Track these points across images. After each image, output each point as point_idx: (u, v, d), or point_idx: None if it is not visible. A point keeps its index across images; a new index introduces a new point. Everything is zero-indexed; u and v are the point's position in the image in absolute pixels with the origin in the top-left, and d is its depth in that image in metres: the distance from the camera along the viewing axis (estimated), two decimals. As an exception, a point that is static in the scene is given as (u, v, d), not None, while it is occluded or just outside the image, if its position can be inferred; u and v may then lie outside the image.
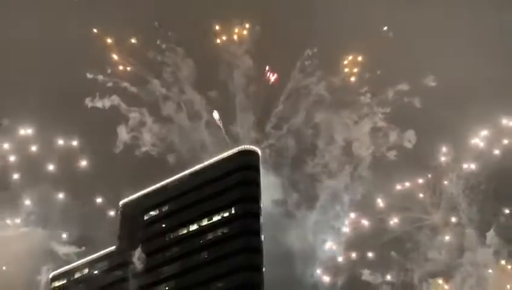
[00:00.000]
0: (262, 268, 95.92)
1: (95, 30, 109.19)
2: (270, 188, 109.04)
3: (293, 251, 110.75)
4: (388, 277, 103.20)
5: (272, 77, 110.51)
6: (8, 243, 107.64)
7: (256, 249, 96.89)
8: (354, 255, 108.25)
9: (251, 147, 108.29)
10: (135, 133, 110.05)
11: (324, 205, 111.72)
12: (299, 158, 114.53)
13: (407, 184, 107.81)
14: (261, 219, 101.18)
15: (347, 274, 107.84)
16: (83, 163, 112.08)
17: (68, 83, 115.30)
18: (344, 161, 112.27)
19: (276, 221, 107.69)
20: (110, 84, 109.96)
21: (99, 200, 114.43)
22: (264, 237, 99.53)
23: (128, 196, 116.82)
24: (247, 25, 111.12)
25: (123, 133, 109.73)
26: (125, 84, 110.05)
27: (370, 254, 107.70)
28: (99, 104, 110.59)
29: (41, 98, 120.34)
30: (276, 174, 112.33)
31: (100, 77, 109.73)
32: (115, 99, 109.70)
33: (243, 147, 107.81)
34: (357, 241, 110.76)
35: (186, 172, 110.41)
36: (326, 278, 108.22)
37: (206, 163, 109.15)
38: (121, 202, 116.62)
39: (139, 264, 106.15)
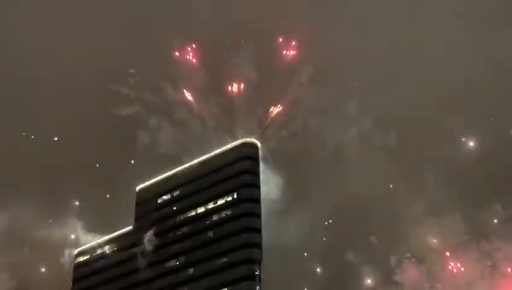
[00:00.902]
0: (261, 245, 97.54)
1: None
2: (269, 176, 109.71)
3: (290, 233, 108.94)
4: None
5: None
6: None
7: (256, 229, 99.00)
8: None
9: (251, 139, 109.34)
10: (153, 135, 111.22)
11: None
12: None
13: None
14: (261, 203, 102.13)
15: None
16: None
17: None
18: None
19: (274, 207, 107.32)
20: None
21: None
22: (263, 219, 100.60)
23: (143, 183, 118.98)
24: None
25: (143, 135, 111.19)
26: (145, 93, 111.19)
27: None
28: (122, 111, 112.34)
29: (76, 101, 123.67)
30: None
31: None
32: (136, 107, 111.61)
33: (244, 140, 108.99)
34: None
35: (195, 161, 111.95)
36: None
37: (212, 154, 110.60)
38: (137, 188, 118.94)
39: (152, 242, 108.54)
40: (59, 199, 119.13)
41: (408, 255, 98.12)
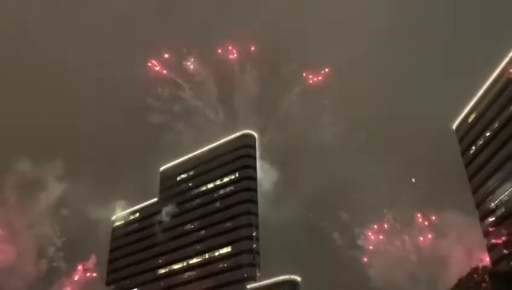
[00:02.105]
0: (257, 213, 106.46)
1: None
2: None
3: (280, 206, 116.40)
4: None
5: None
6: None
7: (253, 201, 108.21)
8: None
9: (250, 131, 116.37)
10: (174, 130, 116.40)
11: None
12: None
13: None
14: (257, 181, 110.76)
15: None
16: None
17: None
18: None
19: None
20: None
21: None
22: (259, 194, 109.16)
23: (166, 165, 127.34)
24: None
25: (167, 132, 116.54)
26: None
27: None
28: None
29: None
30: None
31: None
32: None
33: (244, 131, 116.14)
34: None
35: (205, 148, 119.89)
36: None
37: (219, 142, 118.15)
38: (161, 169, 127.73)
39: (172, 210, 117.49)
40: (105, 176, 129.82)
41: (368, 225, 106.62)
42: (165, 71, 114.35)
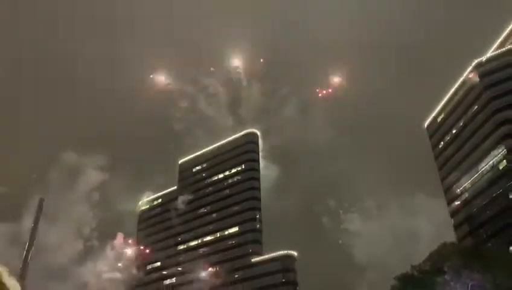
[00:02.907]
0: (260, 198, 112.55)
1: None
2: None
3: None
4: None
5: None
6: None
7: (256, 188, 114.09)
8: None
9: (253, 130, 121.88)
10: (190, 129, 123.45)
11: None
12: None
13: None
14: (260, 171, 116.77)
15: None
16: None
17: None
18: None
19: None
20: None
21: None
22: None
23: (183, 158, 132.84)
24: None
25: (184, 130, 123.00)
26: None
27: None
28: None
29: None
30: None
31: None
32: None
33: (248, 130, 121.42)
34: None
35: (216, 145, 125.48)
36: None
37: (227, 139, 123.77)
38: (179, 161, 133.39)
39: (189, 197, 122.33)
40: (136, 170, 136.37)
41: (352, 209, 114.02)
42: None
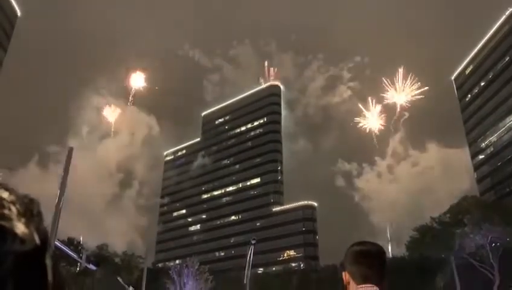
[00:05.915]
0: (281, 151, 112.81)
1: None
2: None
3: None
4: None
5: None
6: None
7: (278, 141, 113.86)
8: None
9: (277, 82, 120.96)
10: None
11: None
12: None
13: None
14: (282, 125, 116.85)
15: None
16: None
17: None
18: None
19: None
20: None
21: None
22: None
23: (207, 110, 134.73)
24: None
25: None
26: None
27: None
28: None
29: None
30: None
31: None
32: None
33: (271, 82, 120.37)
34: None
35: (239, 96, 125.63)
36: None
37: (251, 91, 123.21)
38: (203, 114, 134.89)
39: (212, 148, 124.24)
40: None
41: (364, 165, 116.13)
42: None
